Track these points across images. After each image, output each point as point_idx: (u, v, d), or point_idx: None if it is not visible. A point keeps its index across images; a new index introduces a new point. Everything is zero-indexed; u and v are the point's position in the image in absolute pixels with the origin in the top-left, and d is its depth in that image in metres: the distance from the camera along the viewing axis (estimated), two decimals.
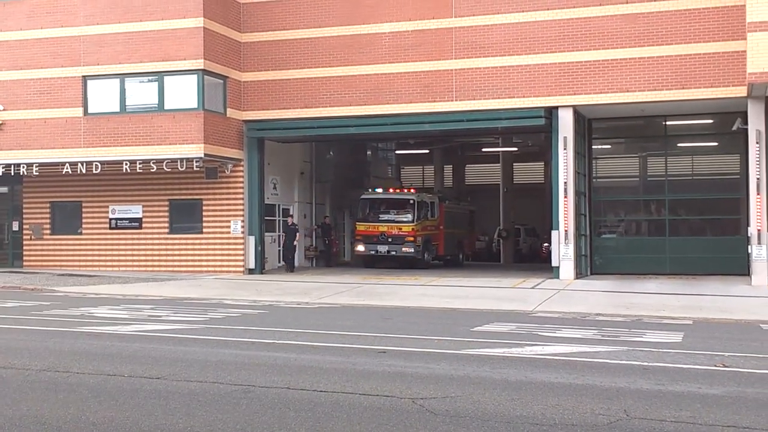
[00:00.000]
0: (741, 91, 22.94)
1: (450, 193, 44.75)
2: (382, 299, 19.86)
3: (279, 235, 31.33)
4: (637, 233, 29.10)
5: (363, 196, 31.57)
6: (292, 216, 30.11)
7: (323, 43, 26.95)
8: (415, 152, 46.11)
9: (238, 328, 13.81)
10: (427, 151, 46.40)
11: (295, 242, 29.16)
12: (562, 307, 17.95)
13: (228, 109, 27.21)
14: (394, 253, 30.24)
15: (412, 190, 32.30)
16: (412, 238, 30.09)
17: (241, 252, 27.49)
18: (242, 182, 27.73)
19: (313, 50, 27.05)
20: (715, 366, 10.26)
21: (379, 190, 32.06)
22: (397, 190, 32.31)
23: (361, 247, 30.79)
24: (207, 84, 26.19)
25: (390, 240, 30.18)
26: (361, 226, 30.89)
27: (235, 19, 27.53)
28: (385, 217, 30.71)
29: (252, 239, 27.60)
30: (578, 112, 25.73)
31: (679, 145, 28.61)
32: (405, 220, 30.42)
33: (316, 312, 17.13)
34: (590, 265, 27.43)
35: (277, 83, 27.45)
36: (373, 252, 30.57)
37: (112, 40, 26.61)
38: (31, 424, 7.13)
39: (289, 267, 28.99)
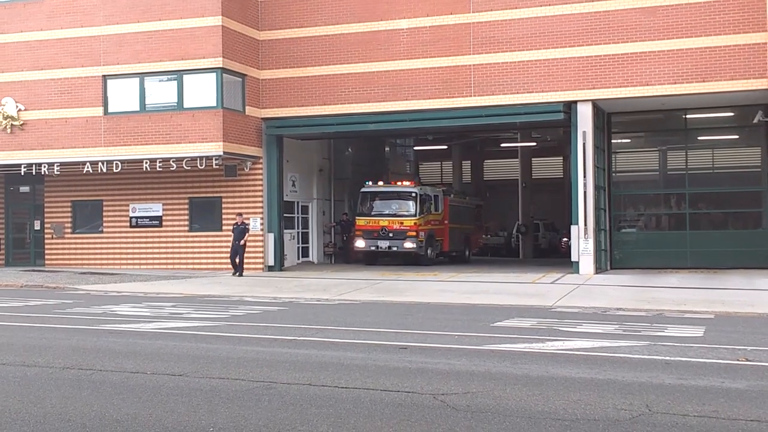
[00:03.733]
0: (762, 84, 22.77)
1: (463, 187, 44.69)
2: (401, 295, 19.87)
3: (298, 232, 31.45)
4: (658, 227, 28.94)
5: (363, 189, 30.13)
6: (240, 215, 26.24)
7: (341, 39, 26.97)
8: (433, 148, 46.17)
9: (259, 325, 13.86)
10: (445, 147, 46.44)
11: (241, 242, 25.61)
12: (583, 302, 17.89)
13: (247, 107, 27.30)
14: (395, 249, 28.98)
15: (413, 183, 30.85)
16: (414, 233, 28.79)
17: (261, 249, 27.59)
18: (261, 180, 27.82)
19: (331, 47, 27.08)
20: (738, 360, 10.20)
21: (380, 183, 30.47)
22: (399, 183, 30.76)
23: (360, 243, 29.33)
24: (226, 82, 26.28)
25: (391, 235, 28.83)
26: (360, 221, 29.47)
27: (253, 17, 27.61)
28: (386, 211, 29.48)
29: (271, 236, 27.69)
30: (597, 107, 25.62)
31: (699, 138, 28.42)
32: (407, 214, 29.14)
33: (336, 308, 17.16)
34: (610, 259, 27.31)
35: (296, 80, 27.51)
36: (373, 248, 29.16)
37: (132, 39, 26.76)
38: (55, 422, 7.19)
39: (238, 271, 25.54)
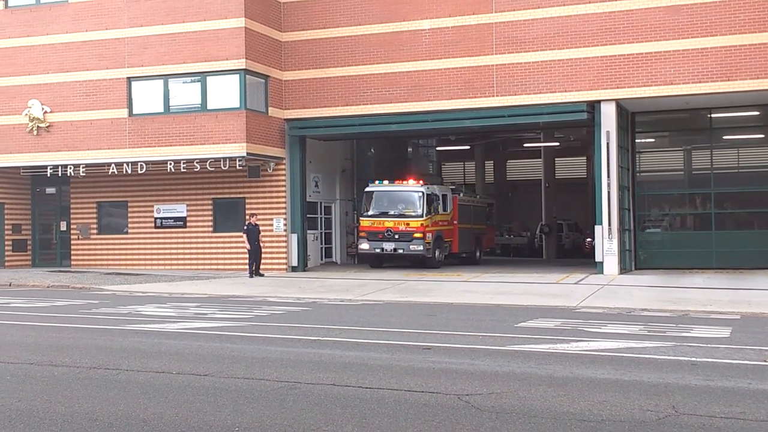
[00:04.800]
0: None
1: (486, 187, 44.58)
2: (425, 296, 19.86)
3: (321, 233, 31.49)
4: (682, 227, 28.72)
5: (367, 189, 28.82)
6: (255, 215, 26.41)
7: (363, 40, 27.01)
8: (456, 148, 46.10)
9: (283, 326, 13.91)
10: (467, 147, 46.36)
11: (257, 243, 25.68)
12: (607, 303, 17.80)
13: (270, 108, 27.40)
14: (401, 251, 27.67)
15: (420, 182, 29.01)
16: (420, 235, 27.42)
17: (284, 250, 27.67)
18: (284, 180, 27.90)
19: (353, 48, 27.13)
20: (765, 361, 10.11)
21: (385, 182, 28.91)
22: (404, 182, 28.98)
23: (365, 245, 28.04)
24: (249, 83, 26.39)
25: (397, 237, 27.51)
26: (365, 222, 28.15)
27: (275, 18, 27.70)
28: (392, 211, 27.96)
29: (294, 237, 27.77)
30: (621, 106, 25.48)
31: (724, 137, 28.17)
32: (413, 214, 27.69)
33: (359, 309, 17.19)
34: (634, 260, 27.14)
35: (318, 81, 27.58)
36: (378, 250, 27.85)
37: (156, 41, 26.94)
38: (83, 421, 7.26)
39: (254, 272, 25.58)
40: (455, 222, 30.50)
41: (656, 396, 8.05)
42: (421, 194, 27.91)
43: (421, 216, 27.61)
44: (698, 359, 10.24)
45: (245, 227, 25.85)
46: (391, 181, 29.10)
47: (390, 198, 28.33)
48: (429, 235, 27.75)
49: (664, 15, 23.94)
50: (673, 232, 28.39)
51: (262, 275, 25.52)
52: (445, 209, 29.58)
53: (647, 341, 11.88)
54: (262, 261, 26.20)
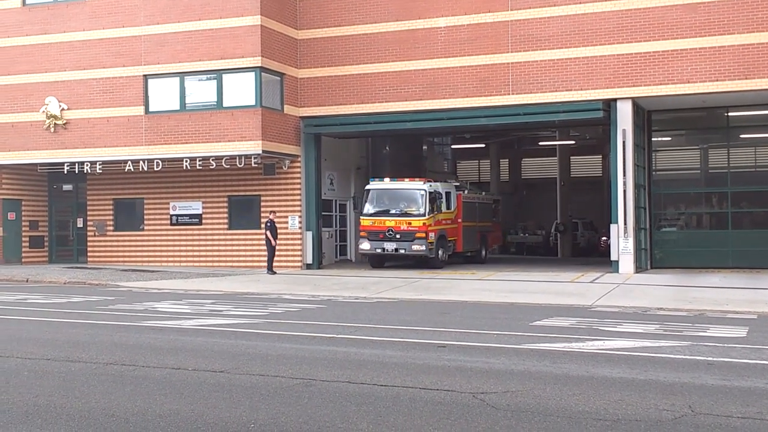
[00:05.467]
0: None
1: (501, 186, 44.46)
2: (439, 294, 19.85)
3: (336, 231, 31.52)
4: (699, 226, 28.58)
5: (367, 187, 28.02)
6: (275, 212, 26.57)
7: (379, 38, 27.01)
8: (471, 146, 46.03)
9: (298, 323, 13.94)
10: (483, 146, 46.30)
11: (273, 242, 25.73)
12: (623, 302, 17.73)
13: (285, 106, 27.45)
14: (402, 251, 26.81)
15: (422, 179, 28.28)
16: (423, 235, 26.51)
17: (299, 247, 27.73)
18: (299, 178, 27.95)
19: (368, 46, 27.14)
20: None
21: (386, 180, 28.13)
22: (406, 180, 28.13)
23: (365, 245, 27.18)
24: (264, 81, 26.45)
25: (398, 236, 26.65)
26: (365, 221, 27.26)
27: (291, 16, 27.75)
28: (393, 210, 27.17)
29: (309, 234, 27.82)
30: (637, 104, 25.37)
31: (741, 136, 28.03)
32: (415, 213, 26.82)
33: (374, 306, 17.20)
34: (650, 259, 27.04)
35: (334, 79, 27.60)
36: (378, 250, 27.02)
37: (172, 39, 27.04)
38: (100, 417, 7.30)
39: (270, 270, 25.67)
40: (459, 220, 29.68)
41: (672, 395, 8.02)
42: (423, 192, 27.04)
43: (424, 215, 26.77)
44: (715, 359, 10.19)
45: (268, 223, 25.86)
46: (393, 178, 28.40)
47: (391, 196, 27.54)
48: (432, 235, 26.94)
49: (681, 13, 23.81)
50: (689, 231, 28.26)
51: (275, 273, 25.58)
52: (448, 207, 28.70)
53: (663, 340, 11.83)
54: (277, 258, 26.26)
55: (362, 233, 27.43)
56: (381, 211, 27.26)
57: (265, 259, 26.08)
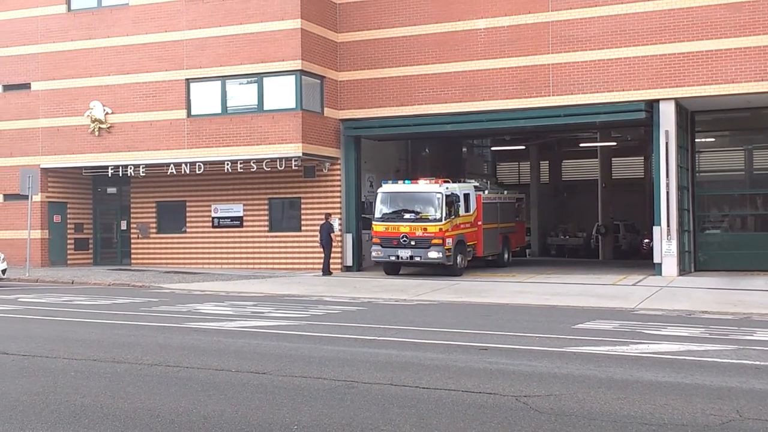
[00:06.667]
0: None
1: (541, 188, 44.11)
2: (480, 296, 19.79)
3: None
4: (743, 228, 28.15)
5: (380, 190, 26.19)
6: (330, 215, 26.97)
7: (418, 40, 27.01)
8: (510, 148, 45.80)
9: (339, 325, 13.98)
10: (522, 147, 46.02)
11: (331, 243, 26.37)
12: (666, 305, 17.52)
13: (325, 109, 27.56)
14: (418, 258, 25.11)
15: (439, 181, 26.02)
16: (439, 241, 24.83)
17: (339, 249, 27.79)
18: (339, 180, 28.04)
19: (408, 48, 27.15)
20: None
21: (400, 182, 26.65)
22: (421, 182, 26.31)
23: (378, 252, 25.65)
24: (305, 84, 26.58)
25: (413, 243, 24.97)
26: (378, 227, 25.56)
27: (331, 19, 27.86)
28: (407, 215, 25.43)
29: (349, 237, 27.89)
30: (680, 105, 25.05)
31: None
32: (431, 218, 25.09)
33: (414, 309, 17.19)
34: (694, 261, 26.66)
35: (373, 82, 27.66)
36: (392, 258, 25.38)
37: (214, 43, 27.30)
38: (145, 417, 7.39)
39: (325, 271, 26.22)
40: (479, 223, 27.74)
41: (719, 400, 7.91)
42: (439, 195, 25.18)
43: (440, 219, 24.97)
44: (762, 363, 10.03)
45: (326, 225, 26.45)
46: (407, 180, 27.00)
47: (405, 200, 25.84)
48: (449, 241, 25.15)
49: (726, 12, 23.48)
50: (734, 234, 27.83)
51: (331, 273, 26.04)
52: (467, 210, 26.75)
53: (708, 344, 11.68)
54: (313, 261, 26.52)
55: (375, 239, 25.89)
56: (395, 216, 25.66)
57: (306, 261, 26.27)
